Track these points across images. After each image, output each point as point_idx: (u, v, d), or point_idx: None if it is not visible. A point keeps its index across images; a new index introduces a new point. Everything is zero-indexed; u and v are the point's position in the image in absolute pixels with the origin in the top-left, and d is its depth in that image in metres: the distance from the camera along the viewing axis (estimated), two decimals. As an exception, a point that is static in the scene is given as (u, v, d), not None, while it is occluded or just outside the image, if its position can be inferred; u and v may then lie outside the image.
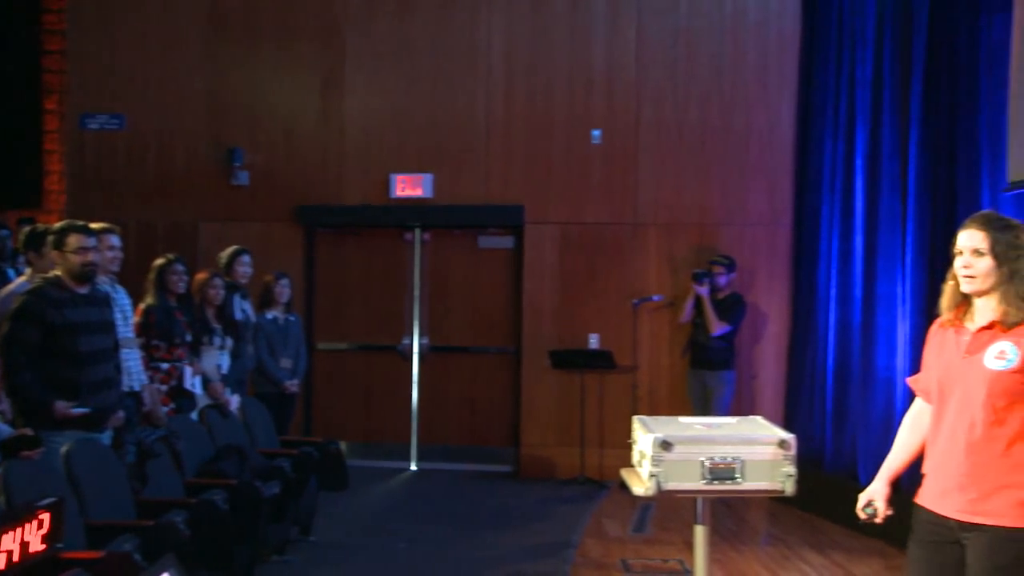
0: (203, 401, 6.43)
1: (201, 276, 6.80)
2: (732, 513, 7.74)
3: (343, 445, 7.68)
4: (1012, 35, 5.64)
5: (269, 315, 7.61)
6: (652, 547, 6.66)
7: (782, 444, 4.23)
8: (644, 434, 4.33)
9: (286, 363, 7.56)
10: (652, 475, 4.18)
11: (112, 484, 4.79)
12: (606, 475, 8.78)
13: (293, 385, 7.58)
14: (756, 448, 4.23)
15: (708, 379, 8.45)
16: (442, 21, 9.56)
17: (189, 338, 6.41)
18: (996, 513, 3.00)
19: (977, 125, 6.24)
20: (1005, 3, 5.83)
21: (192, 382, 6.42)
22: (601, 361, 9.02)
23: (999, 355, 3.06)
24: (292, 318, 7.77)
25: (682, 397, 8.73)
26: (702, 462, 4.19)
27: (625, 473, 4.64)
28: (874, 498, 3.39)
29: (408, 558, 6.30)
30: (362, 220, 9.66)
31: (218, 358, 6.73)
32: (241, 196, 9.65)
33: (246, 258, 7.36)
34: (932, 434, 3.25)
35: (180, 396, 6.25)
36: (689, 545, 4.61)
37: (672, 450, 4.19)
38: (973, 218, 3.18)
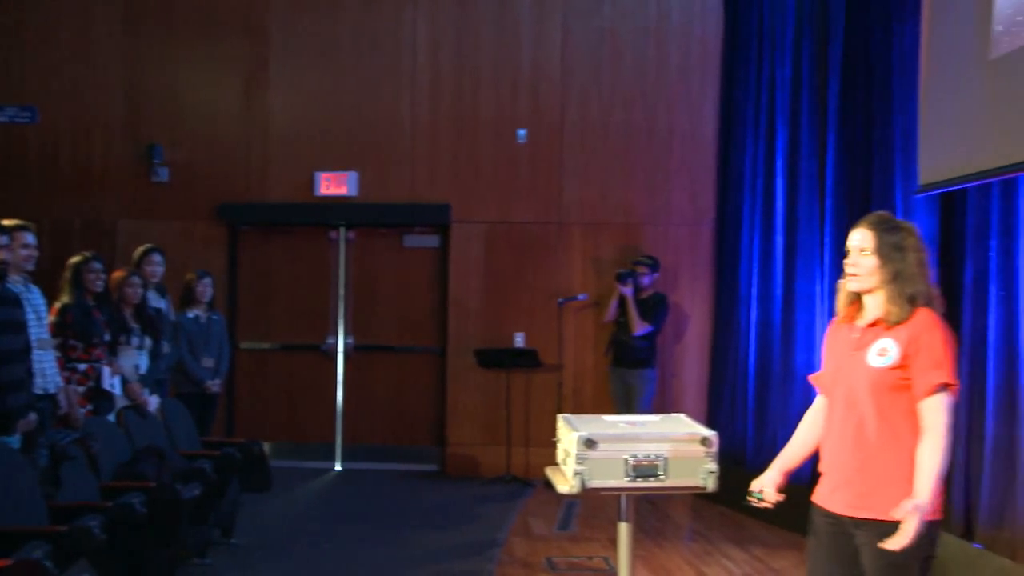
0: (121, 402, 6.30)
1: (118, 274, 6.66)
2: (656, 510, 7.83)
3: (266, 446, 7.60)
4: (921, 43, 5.79)
5: (191, 314, 7.48)
6: (577, 545, 6.70)
7: (704, 441, 4.29)
8: (568, 432, 4.36)
9: (208, 362, 7.45)
10: (576, 473, 4.21)
11: (21, 489, 4.64)
12: (532, 474, 8.81)
13: (215, 385, 7.47)
14: (679, 445, 4.29)
15: (630, 377, 8.53)
16: (368, 19, 9.50)
17: (107, 338, 6.27)
18: (884, 508, 3.02)
19: (891, 128, 6.40)
20: (915, 11, 5.99)
21: (110, 383, 6.28)
22: (526, 360, 9.05)
23: (881, 352, 3.12)
24: (215, 317, 7.65)
25: (607, 396, 8.81)
26: (626, 460, 4.23)
27: (550, 471, 4.67)
28: (764, 485, 3.42)
29: (332, 559, 6.24)
30: (286, 218, 9.55)
31: (136, 358, 6.60)
32: (161, 193, 9.47)
33: (157, 257, 7.23)
34: (825, 431, 3.31)
35: (98, 397, 6.11)
36: (614, 542, 4.65)
37: (596, 448, 4.22)
38: (864, 218, 3.26)
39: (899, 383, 3.07)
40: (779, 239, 7.82)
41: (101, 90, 9.53)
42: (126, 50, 9.53)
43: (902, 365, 3.07)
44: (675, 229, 9.23)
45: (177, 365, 7.33)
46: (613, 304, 8.68)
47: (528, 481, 8.81)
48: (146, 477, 5.36)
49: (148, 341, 6.70)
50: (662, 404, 8.73)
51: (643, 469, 4.25)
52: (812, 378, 3.50)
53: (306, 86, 9.53)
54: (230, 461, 6.10)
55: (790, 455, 3.46)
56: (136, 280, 6.66)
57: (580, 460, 4.21)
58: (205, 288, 7.53)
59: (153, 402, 6.53)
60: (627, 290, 8.54)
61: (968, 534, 5.52)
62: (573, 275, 9.27)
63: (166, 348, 7.03)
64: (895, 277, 3.11)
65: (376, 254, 9.69)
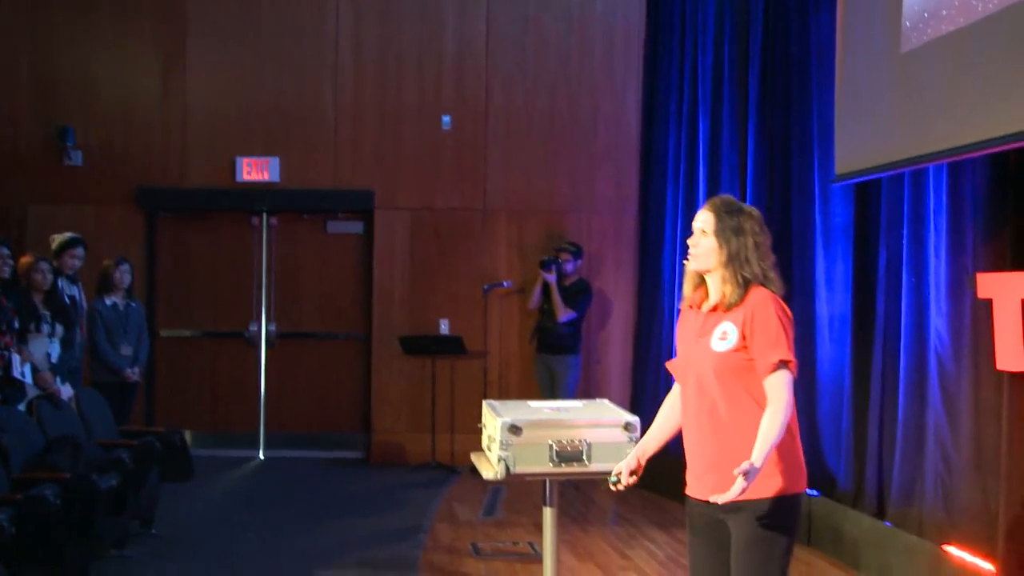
0: (32, 391, 6.15)
1: (26, 260, 6.48)
2: (581, 495, 7.92)
3: (188, 435, 7.50)
4: (836, 36, 5.93)
5: (108, 301, 7.32)
6: (502, 530, 6.75)
7: (627, 427, 4.36)
8: (493, 419, 4.39)
9: (126, 351, 7.31)
10: (501, 459, 4.24)
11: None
12: (457, 460, 8.84)
13: (134, 373, 7.33)
14: (602, 431, 4.35)
15: (554, 364, 8.59)
16: (290, 2, 9.38)
17: (16, 325, 6.11)
18: (749, 488, 2.96)
19: (809, 118, 6.54)
20: (830, 3, 6.12)
21: (20, 371, 6.11)
22: (452, 347, 9.06)
23: (722, 336, 3.15)
24: (133, 304, 7.50)
25: (532, 382, 8.86)
26: (550, 445, 4.28)
27: (475, 457, 4.70)
28: (621, 469, 3.43)
29: (255, 548, 6.20)
30: (207, 204, 9.39)
31: (47, 346, 6.44)
32: (75, 177, 9.23)
33: (79, 250, 7.09)
34: (684, 420, 3.34)
35: (7, 386, 5.96)
36: (539, 527, 4.71)
37: (520, 434, 4.26)
38: (709, 200, 3.32)
39: (743, 365, 3.11)
40: (701, 227, 7.92)
41: (8, 69, 9.25)
42: (35, 27, 9.26)
43: (743, 347, 3.11)
44: (599, 216, 9.32)
45: (95, 353, 7.17)
46: (537, 291, 8.73)
47: (453, 468, 8.84)
48: (60, 468, 5.23)
49: (60, 329, 6.54)
50: (586, 390, 8.82)
51: (567, 454, 4.30)
52: (668, 365, 3.51)
53: (226, 69, 9.37)
54: (149, 450, 6.00)
55: (648, 440, 3.50)
56: (44, 266, 6.48)
57: (504, 446, 4.24)
58: (123, 275, 7.37)
59: (66, 391, 6.39)
60: (550, 277, 8.59)
61: (880, 513, 5.70)
62: (498, 262, 9.30)
63: (79, 337, 6.88)
64: (731, 259, 3.16)
65: (299, 240, 9.60)
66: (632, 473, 3.41)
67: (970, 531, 4.89)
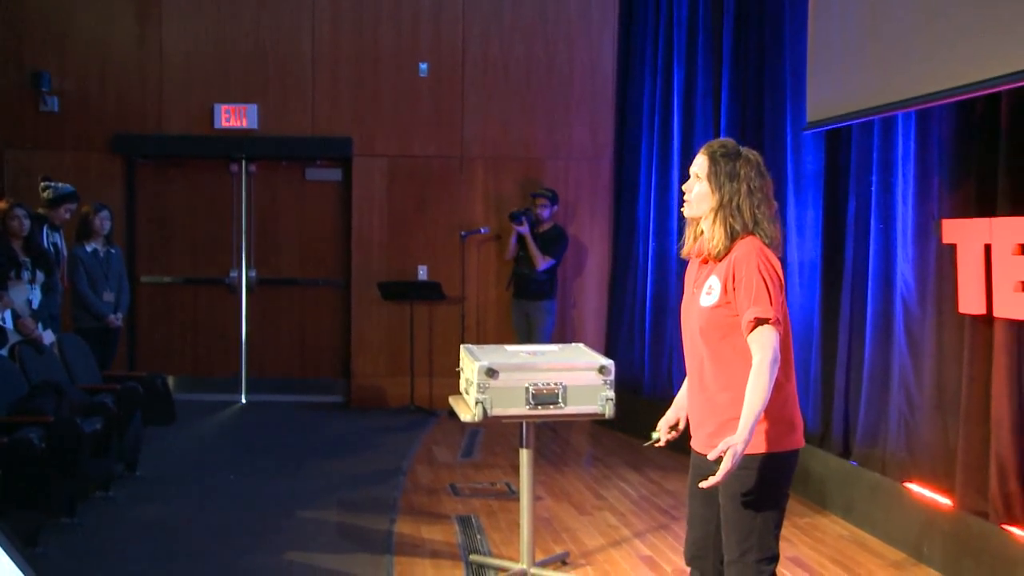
0: (14, 337, 6.19)
1: (1, 206, 6.44)
2: (556, 436, 8.08)
3: (170, 379, 7.55)
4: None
5: (88, 247, 7.35)
6: (480, 471, 6.90)
7: (602, 370, 4.50)
8: (471, 363, 4.51)
9: (108, 296, 7.35)
10: (478, 402, 4.37)
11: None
12: (436, 403, 8.98)
13: (116, 319, 7.39)
14: (577, 374, 4.49)
15: (530, 309, 8.68)
16: (267, -54, 9.31)
17: (-4, 272, 6.12)
18: (713, 451, 2.90)
19: (782, 67, 6.60)
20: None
21: (1, 316, 6.15)
22: (430, 292, 9.16)
23: (708, 291, 3.05)
24: (113, 251, 7.53)
25: (509, 326, 8.98)
26: (526, 388, 4.41)
27: (453, 400, 4.82)
28: (660, 427, 3.35)
29: (237, 489, 6.32)
30: (185, 150, 9.39)
31: (28, 292, 6.44)
32: (51, 123, 9.19)
33: (74, 205, 7.12)
34: (687, 371, 3.23)
35: (-12, 333, 6.00)
36: (516, 468, 4.85)
37: (497, 377, 4.39)
38: (707, 143, 3.17)
39: (727, 321, 3.00)
40: (675, 174, 8.02)
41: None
42: (6, -29, 9.17)
43: (726, 302, 3.00)
44: (575, 163, 9.38)
45: (76, 300, 7.22)
46: (512, 242, 8.78)
47: (432, 411, 8.98)
48: (44, 412, 5.31)
49: (40, 275, 6.55)
50: (562, 334, 8.96)
51: (543, 397, 4.43)
52: None
53: (202, 15, 9.31)
54: (132, 395, 6.09)
55: (682, 395, 3.35)
56: (20, 212, 6.41)
57: (482, 389, 4.37)
58: (103, 221, 7.39)
59: (48, 337, 6.43)
60: (522, 229, 8.63)
61: (846, 453, 5.88)
62: (475, 209, 9.37)
63: (60, 284, 6.91)
64: (722, 206, 3.03)
65: (278, 187, 9.62)
66: (672, 428, 3.32)
67: (930, 468, 5.07)
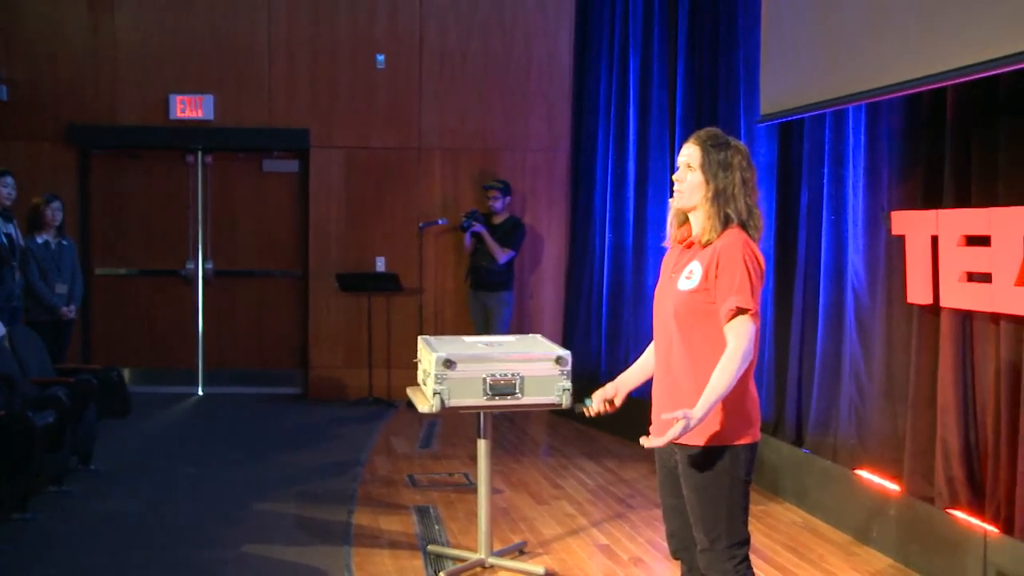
0: (-36, 331, 6.11)
1: None
2: (514, 427, 8.13)
3: (125, 372, 7.52)
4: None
5: (39, 239, 7.26)
6: (438, 462, 6.93)
7: (559, 360, 4.54)
8: (428, 353, 4.53)
9: (61, 288, 7.28)
10: (436, 393, 4.40)
11: None
12: (394, 395, 8.99)
13: (70, 311, 7.32)
14: (534, 365, 4.53)
15: (488, 300, 8.68)
16: (221, -66, 9.23)
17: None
18: (688, 434, 2.92)
19: (736, 60, 6.68)
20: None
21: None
22: (388, 283, 9.15)
23: (688, 275, 3.05)
24: (65, 242, 7.45)
25: (467, 318, 9.00)
26: (484, 379, 4.44)
27: (411, 391, 4.84)
28: (595, 395, 3.31)
29: (194, 482, 6.29)
30: (140, 141, 9.29)
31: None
32: (1, 112, 9.04)
33: (9, 179, 6.98)
34: (655, 357, 3.23)
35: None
36: (474, 459, 4.88)
37: (455, 368, 4.41)
38: (695, 133, 3.17)
39: (703, 307, 3.00)
40: (631, 165, 8.09)
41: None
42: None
43: (705, 288, 3.00)
44: (532, 154, 9.42)
45: (29, 292, 7.13)
46: (467, 238, 8.76)
47: (390, 402, 8.99)
48: (-6, 405, 5.27)
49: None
50: (520, 325, 9.00)
51: (500, 388, 4.46)
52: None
53: (156, 4, 9.21)
54: (86, 387, 6.04)
55: (627, 374, 3.37)
56: None
57: (440, 380, 4.39)
58: (54, 212, 7.31)
59: (-1, 329, 6.36)
60: (478, 228, 8.63)
61: (798, 441, 5.98)
62: (433, 200, 9.37)
63: (17, 276, 6.83)
64: (716, 195, 3.02)
65: (235, 179, 9.56)
66: (608, 402, 3.30)
67: (879, 455, 5.18)
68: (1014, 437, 4.21)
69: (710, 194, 3.04)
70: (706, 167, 3.05)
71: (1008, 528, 4.23)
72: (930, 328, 4.78)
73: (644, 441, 2.95)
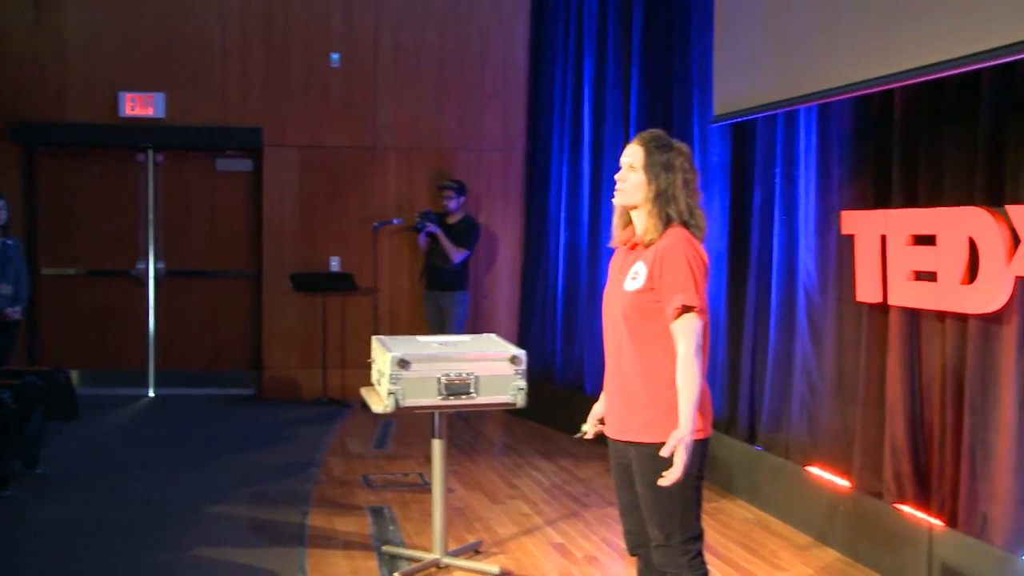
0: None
1: None
2: (470, 427, 8.12)
3: (73, 374, 7.40)
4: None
5: (-16, 239, 7.12)
6: (393, 462, 6.90)
7: (513, 360, 4.54)
8: (383, 353, 4.52)
9: (6, 289, 7.15)
10: (391, 393, 4.38)
11: None
12: (349, 395, 8.94)
13: (15, 312, 7.19)
14: (489, 364, 4.53)
15: (443, 300, 8.65)
16: (171, -71, 9.12)
17: None
18: (638, 431, 3.03)
19: (689, 61, 6.72)
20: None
21: None
22: (342, 283, 9.11)
23: (633, 276, 3.09)
24: (10, 242, 7.31)
25: (422, 318, 8.97)
26: (438, 379, 4.43)
27: (365, 392, 4.82)
28: (588, 420, 3.38)
29: (144, 485, 6.20)
30: (89, 139, 9.15)
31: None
32: (-57, 110, 8.88)
33: None
34: (606, 358, 3.28)
35: None
36: (429, 459, 4.86)
37: (409, 368, 4.40)
38: (639, 134, 3.21)
39: (649, 306, 3.04)
40: (586, 165, 8.11)
41: None
42: None
43: (650, 288, 3.04)
44: (487, 154, 9.42)
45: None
46: (422, 238, 8.72)
47: (345, 402, 8.94)
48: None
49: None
50: (475, 324, 9.00)
51: (455, 387, 4.46)
52: None
53: (104, 0, 9.08)
54: (32, 390, 5.94)
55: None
56: None
57: (394, 380, 4.38)
58: None
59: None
60: (432, 228, 8.60)
61: (751, 438, 6.04)
62: (388, 199, 9.34)
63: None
64: (658, 196, 3.07)
65: (187, 177, 9.45)
66: (600, 421, 3.33)
67: (830, 452, 5.24)
68: (958, 433, 4.29)
69: (652, 194, 3.09)
70: (648, 167, 3.10)
71: (952, 521, 4.31)
72: (879, 326, 4.85)
73: (662, 480, 2.92)
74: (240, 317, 9.51)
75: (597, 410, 3.37)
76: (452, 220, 8.75)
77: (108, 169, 9.35)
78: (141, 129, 9.12)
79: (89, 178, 9.32)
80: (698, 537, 3.10)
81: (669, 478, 2.92)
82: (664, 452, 2.92)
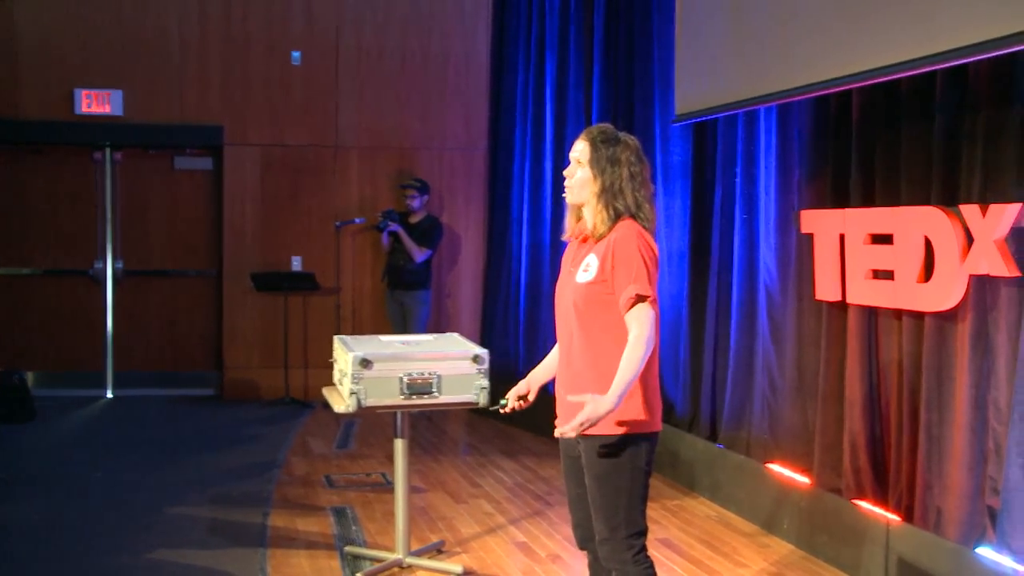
0: None
1: None
2: (433, 426, 8.11)
3: (29, 375, 7.29)
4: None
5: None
6: (355, 462, 6.87)
7: (476, 359, 4.54)
8: (344, 353, 4.50)
9: (-40, 291, 7.04)
10: (353, 392, 4.36)
11: None
12: (311, 395, 8.90)
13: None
14: (452, 363, 4.52)
15: (405, 299, 8.59)
16: (129, -74, 9.01)
17: None
18: (591, 424, 2.95)
19: (651, 61, 6.76)
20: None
21: None
22: (304, 283, 9.05)
23: (585, 268, 3.11)
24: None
25: (384, 317, 8.92)
26: (400, 378, 4.42)
27: (327, 392, 4.80)
28: (510, 394, 3.39)
29: (102, 488, 6.13)
30: (44, 136, 9.02)
31: None
32: None
33: None
34: (558, 350, 3.30)
35: None
36: (391, 458, 4.85)
37: (371, 368, 4.38)
38: (587, 129, 3.23)
39: (601, 298, 3.07)
40: (548, 164, 8.13)
41: None
42: None
43: (602, 279, 3.06)
44: (450, 153, 9.41)
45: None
46: (384, 237, 8.68)
47: (307, 403, 8.90)
48: None
49: None
50: (437, 323, 8.98)
51: (417, 387, 4.45)
52: None
53: (59, -5, 8.98)
54: (-12, 392, 5.86)
55: (538, 370, 3.44)
56: None
57: (356, 380, 4.36)
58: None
59: None
60: (394, 227, 8.57)
61: (713, 436, 6.09)
62: (350, 199, 9.30)
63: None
64: (604, 190, 3.10)
65: (146, 176, 9.35)
66: (521, 399, 3.37)
67: (791, 449, 5.30)
68: (915, 429, 4.35)
69: (598, 189, 3.12)
70: (594, 163, 3.13)
71: (908, 516, 4.37)
72: (838, 324, 4.90)
73: (556, 432, 2.99)
74: (200, 317, 9.43)
75: (520, 387, 3.39)
76: (415, 219, 8.72)
77: (64, 167, 9.22)
78: (98, 127, 9.00)
79: (44, 176, 9.19)
80: (643, 532, 3.12)
81: (561, 430, 2.93)
82: (571, 397, 2.97)
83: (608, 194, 3.10)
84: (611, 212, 3.10)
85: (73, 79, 8.96)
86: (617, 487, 3.05)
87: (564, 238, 3.33)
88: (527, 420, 7.49)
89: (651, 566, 3.12)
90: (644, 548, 3.12)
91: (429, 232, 8.67)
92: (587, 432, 2.97)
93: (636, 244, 3.04)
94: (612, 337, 3.05)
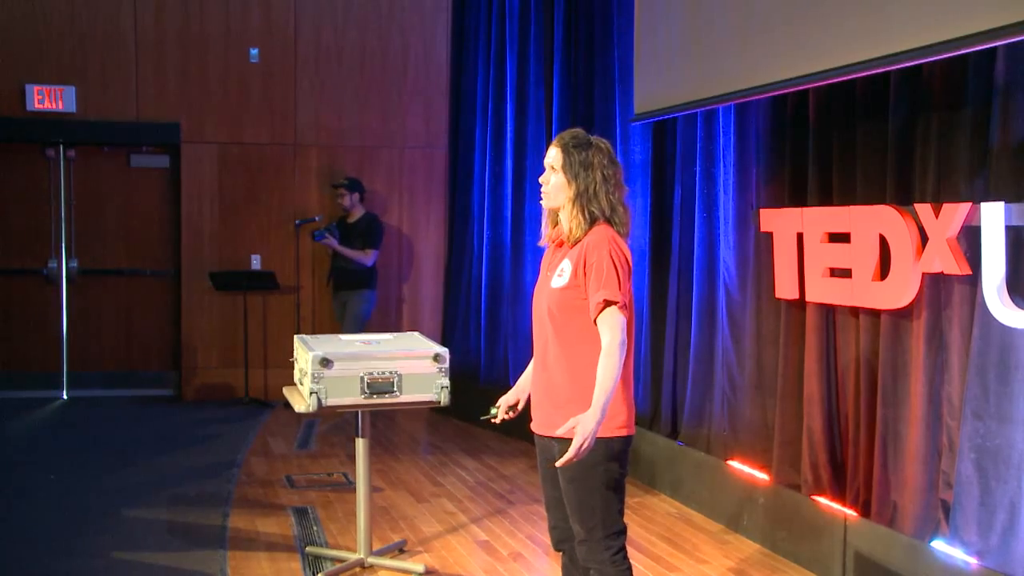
0: None
1: None
2: (395, 425, 8.09)
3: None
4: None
5: None
6: (316, 462, 6.84)
7: (437, 358, 4.54)
8: (305, 352, 4.47)
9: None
10: (313, 392, 4.34)
11: None
12: (271, 395, 8.83)
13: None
14: (412, 362, 4.52)
15: (347, 299, 8.52)
16: (82, -81, 8.88)
17: None
18: (566, 427, 2.98)
19: (611, 60, 6.78)
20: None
21: None
22: (264, 282, 8.98)
23: (559, 273, 3.14)
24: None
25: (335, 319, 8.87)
26: (361, 377, 4.41)
27: (287, 391, 4.77)
28: (500, 404, 3.43)
29: (57, 490, 6.04)
30: (-6, 133, 8.87)
31: None
32: None
33: None
34: (534, 354, 3.32)
35: None
36: (353, 458, 4.83)
37: (332, 367, 4.37)
38: (559, 135, 3.27)
39: (574, 303, 3.09)
40: (509, 163, 8.13)
41: None
42: None
43: (575, 284, 3.09)
44: (410, 152, 9.38)
45: None
46: (331, 243, 8.62)
47: (267, 402, 8.83)
48: None
49: None
50: (398, 323, 8.96)
51: (378, 386, 4.44)
52: None
53: (11, -10, 8.83)
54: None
55: (525, 379, 3.44)
56: None
57: (316, 379, 4.34)
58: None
59: None
60: (332, 242, 8.51)
61: (674, 433, 6.12)
62: (309, 197, 9.24)
63: None
64: (579, 195, 3.14)
65: (101, 174, 9.22)
66: (511, 408, 3.41)
67: (750, 446, 5.34)
68: (871, 425, 4.41)
69: (572, 194, 3.15)
70: (567, 168, 3.16)
71: (866, 511, 4.43)
72: (796, 322, 4.95)
73: (557, 463, 2.98)
74: (158, 317, 9.33)
75: (509, 397, 3.43)
76: (352, 219, 8.64)
77: (16, 165, 9.07)
78: (51, 123, 8.86)
79: (-4, 173, 9.04)
80: (621, 532, 3.14)
81: (564, 459, 2.94)
82: (560, 431, 2.97)
83: (583, 198, 3.13)
84: (586, 216, 3.13)
85: (24, 75, 8.81)
86: (592, 488, 3.08)
87: (541, 243, 3.36)
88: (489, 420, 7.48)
89: (629, 568, 3.14)
90: (623, 548, 3.14)
91: (368, 232, 8.58)
92: (564, 435, 2.98)
93: (608, 249, 3.07)
94: (586, 343, 3.08)
